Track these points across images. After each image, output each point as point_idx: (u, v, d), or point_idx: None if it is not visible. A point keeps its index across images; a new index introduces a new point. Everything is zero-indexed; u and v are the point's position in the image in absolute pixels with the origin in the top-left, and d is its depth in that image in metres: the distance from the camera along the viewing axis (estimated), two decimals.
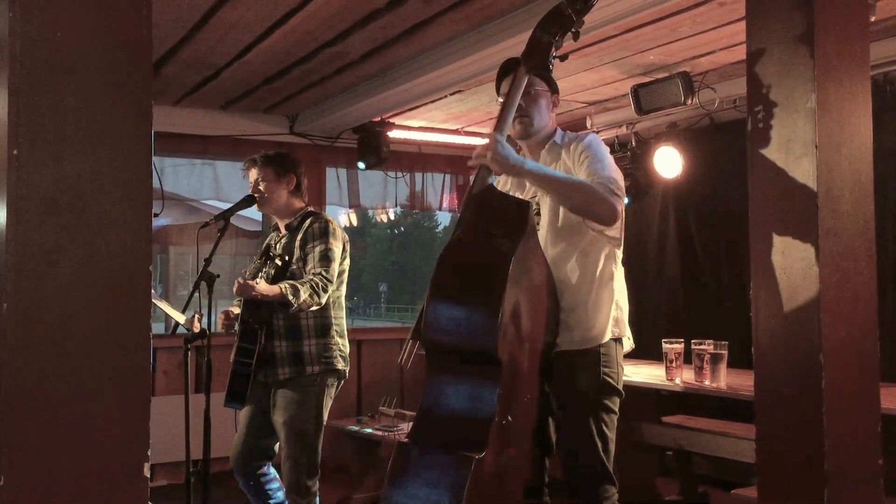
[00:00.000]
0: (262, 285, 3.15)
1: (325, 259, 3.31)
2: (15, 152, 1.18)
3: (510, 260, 2.31)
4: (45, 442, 1.19)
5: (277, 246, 3.51)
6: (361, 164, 5.65)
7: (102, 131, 1.24)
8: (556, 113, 2.77)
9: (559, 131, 2.75)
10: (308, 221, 3.43)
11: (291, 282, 3.20)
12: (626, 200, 2.70)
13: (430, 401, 2.42)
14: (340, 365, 3.42)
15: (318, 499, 3.42)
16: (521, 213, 2.45)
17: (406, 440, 2.39)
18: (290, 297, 3.14)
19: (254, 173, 3.48)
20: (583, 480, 2.59)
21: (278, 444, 3.43)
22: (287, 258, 3.31)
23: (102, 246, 1.23)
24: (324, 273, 3.27)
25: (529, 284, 2.47)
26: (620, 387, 2.63)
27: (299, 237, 3.41)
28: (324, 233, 3.36)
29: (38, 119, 1.20)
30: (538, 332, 2.52)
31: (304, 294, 3.17)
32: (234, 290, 3.17)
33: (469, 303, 2.37)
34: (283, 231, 3.52)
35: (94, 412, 1.21)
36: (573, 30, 2.45)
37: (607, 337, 2.59)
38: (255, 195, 3.45)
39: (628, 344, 2.73)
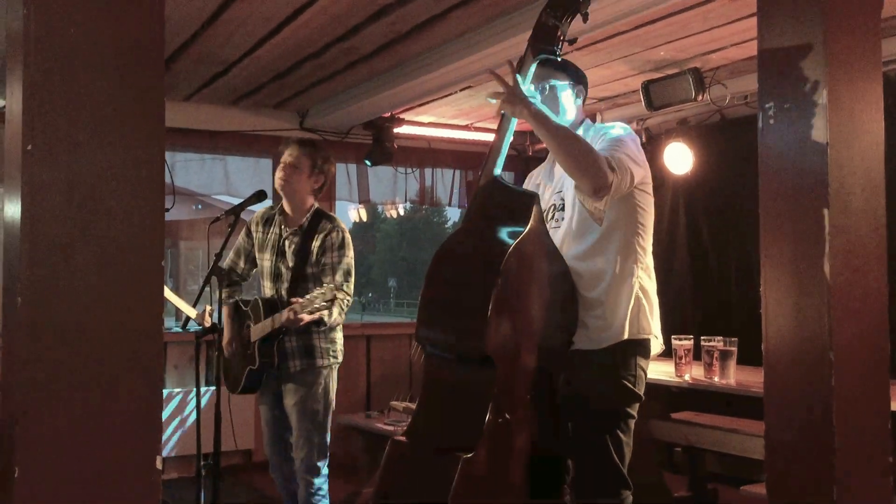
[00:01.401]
0: (307, 317, 3.26)
1: (349, 274, 3.46)
2: (29, 147, 1.19)
3: (505, 253, 2.24)
4: (58, 435, 1.20)
5: (286, 242, 3.50)
6: (368, 161, 5.66)
7: (116, 127, 1.25)
8: (582, 103, 2.67)
9: (586, 123, 2.65)
10: (323, 230, 3.46)
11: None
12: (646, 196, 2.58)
13: (424, 398, 2.41)
14: (341, 357, 3.58)
15: (327, 483, 3.49)
16: (524, 206, 2.38)
17: (400, 437, 2.38)
18: (327, 319, 3.33)
19: (292, 155, 3.50)
20: (596, 485, 2.49)
21: None
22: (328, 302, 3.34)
23: (116, 240, 1.24)
24: (348, 291, 3.43)
25: (534, 279, 2.40)
26: (640, 390, 2.51)
27: (315, 245, 3.45)
28: (342, 245, 3.46)
29: (52, 115, 1.21)
30: (545, 329, 2.43)
31: (335, 314, 3.35)
32: (284, 321, 3.27)
33: (458, 298, 2.33)
34: (295, 227, 3.52)
35: (107, 405, 1.23)
36: (581, 12, 2.39)
37: (625, 336, 2.47)
38: (279, 175, 3.47)
39: (657, 344, 2.59)
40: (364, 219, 6.31)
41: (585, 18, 2.41)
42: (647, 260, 2.59)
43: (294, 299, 3.26)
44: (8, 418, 1.23)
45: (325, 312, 3.25)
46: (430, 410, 2.38)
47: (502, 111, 2.44)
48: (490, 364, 2.22)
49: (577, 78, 2.66)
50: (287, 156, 3.50)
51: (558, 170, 2.64)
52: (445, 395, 2.40)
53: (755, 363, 3.48)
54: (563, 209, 2.58)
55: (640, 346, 2.52)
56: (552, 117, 2.43)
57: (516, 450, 2.37)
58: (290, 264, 3.46)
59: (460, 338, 2.31)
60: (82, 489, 1.21)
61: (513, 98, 2.38)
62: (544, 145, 2.79)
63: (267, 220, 3.62)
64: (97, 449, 1.22)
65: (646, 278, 2.57)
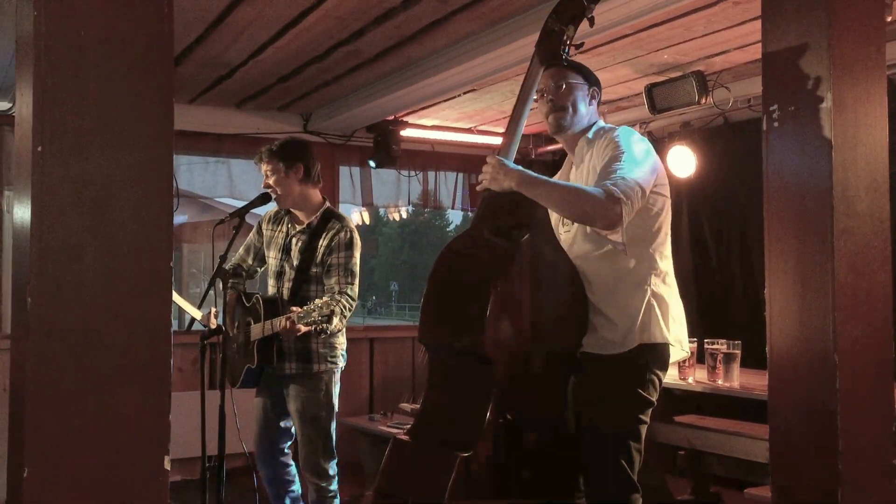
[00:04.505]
0: (303, 328, 3.19)
1: (352, 275, 3.37)
2: (39, 149, 1.20)
3: (505, 256, 2.26)
4: (67, 435, 1.20)
5: (293, 240, 3.50)
6: (372, 163, 5.67)
7: (125, 129, 1.25)
8: (595, 105, 2.63)
9: (597, 125, 2.60)
10: (332, 228, 3.41)
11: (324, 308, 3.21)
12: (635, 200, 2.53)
13: (426, 398, 2.44)
14: (341, 363, 3.51)
15: (336, 483, 3.47)
16: (527, 210, 2.38)
17: (403, 437, 2.40)
18: (328, 328, 3.22)
19: (264, 168, 3.48)
20: (604, 491, 2.45)
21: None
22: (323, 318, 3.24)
23: (124, 242, 1.24)
24: (349, 293, 3.34)
25: (538, 281, 2.41)
26: (654, 396, 2.44)
27: (322, 244, 3.40)
28: (349, 245, 3.39)
29: (62, 117, 1.22)
30: (549, 331, 2.43)
31: (335, 320, 3.23)
32: (280, 329, 3.21)
33: (457, 299, 2.35)
34: (303, 226, 3.51)
35: (115, 406, 1.23)
36: (587, 16, 2.37)
37: (635, 343, 2.41)
38: (269, 192, 3.45)
39: (677, 351, 2.50)
40: (367, 222, 6.32)
41: (592, 23, 2.40)
42: (664, 265, 2.51)
43: (293, 308, 3.20)
44: (17, 418, 1.23)
45: (325, 325, 3.18)
46: (433, 410, 2.40)
47: (489, 188, 2.42)
48: (490, 365, 2.24)
49: (590, 80, 2.63)
50: (263, 171, 3.48)
51: (573, 175, 2.62)
52: (447, 396, 2.42)
53: (759, 366, 3.48)
54: None
55: (652, 352, 2.46)
56: (538, 177, 2.41)
57: (518, 450, 2.38)
58: (295, 263, 3.43)
59: (460, 339, 2.33)
60: (91, 489, 1.22)
61: (497, 174, 2.38)
62: (549, 149, 2.80)
63: (277, 219, 3.61)
64: (106, 449, 1.23)
65: (661, 284, 2.49)
